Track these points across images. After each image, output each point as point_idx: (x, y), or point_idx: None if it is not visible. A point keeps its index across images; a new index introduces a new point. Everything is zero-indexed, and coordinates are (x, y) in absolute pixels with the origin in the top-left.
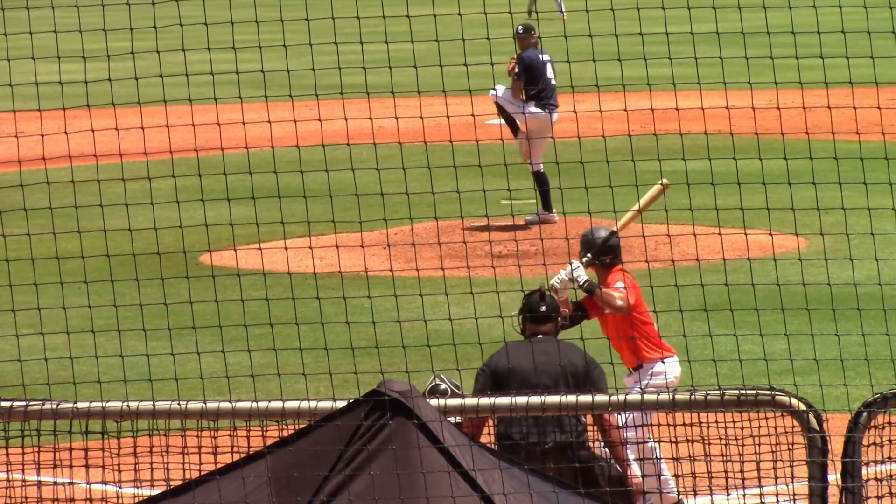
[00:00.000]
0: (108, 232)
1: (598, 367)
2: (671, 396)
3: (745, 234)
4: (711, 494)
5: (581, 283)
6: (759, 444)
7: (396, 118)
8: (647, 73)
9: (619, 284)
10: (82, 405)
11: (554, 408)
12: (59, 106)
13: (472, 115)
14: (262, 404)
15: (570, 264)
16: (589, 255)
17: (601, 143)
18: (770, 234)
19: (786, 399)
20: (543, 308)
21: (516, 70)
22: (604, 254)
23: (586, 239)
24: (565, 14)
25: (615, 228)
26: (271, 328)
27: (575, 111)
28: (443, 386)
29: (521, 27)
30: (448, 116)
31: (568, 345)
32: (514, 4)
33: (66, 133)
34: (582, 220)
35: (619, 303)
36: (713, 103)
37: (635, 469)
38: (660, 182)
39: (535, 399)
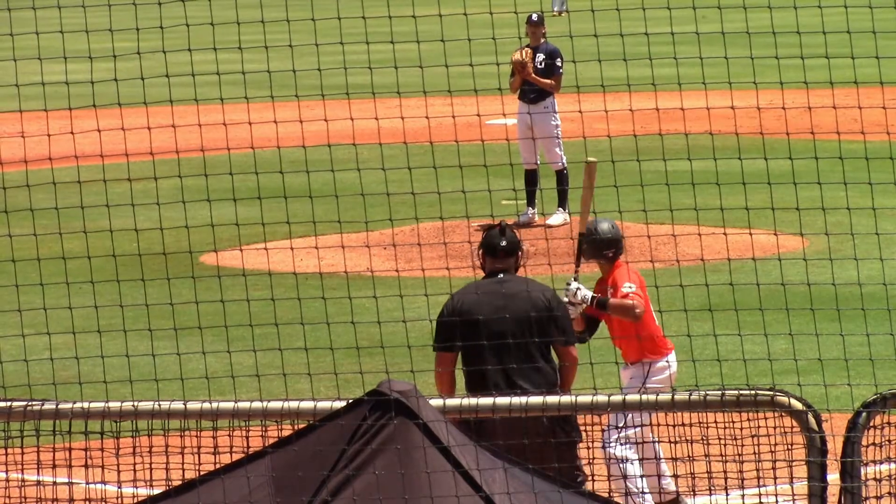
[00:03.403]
0: (114, 232)
1: (560, 301)
2: (671, 396)
3: (751, 233)
4: (711, 494)
5: (590, 303)
6: (759, 445)
7: (402, 118)
8: (652, 74)
9: (629, 286)
10: (82, 405)
11: (554, 408)
12: (65, 106)
13: (478, 114)
14: (263, 404)
15: (570, 286)
16: (583, 257)
17: (606, 143)
18: (775, 234)
19: (785, 399)
20: (504, 242)
21: (559, 64)
22: (605, 248)
23: (589, 235)
24: None
25: (580, 229)
26: (276, 328)
27: (581, 111)
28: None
29: (536, 15)
30: (454, 116)
31: (530, 281)
32: (519, 4)
33: (72, 133)
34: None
35: (637, 311)
36: (718, 103)
37: (635, 469)
38: (585, 161)
39: (536, 399)
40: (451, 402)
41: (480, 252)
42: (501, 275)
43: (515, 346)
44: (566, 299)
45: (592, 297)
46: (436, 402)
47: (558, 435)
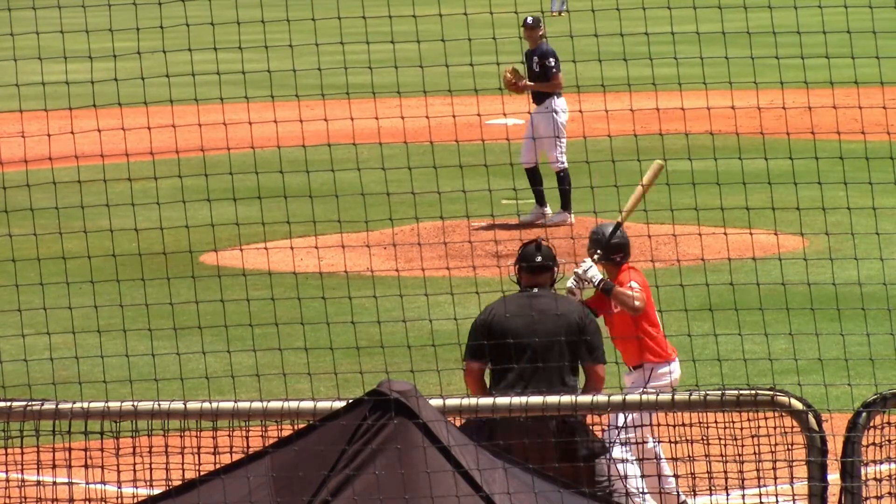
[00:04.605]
0: (114, 232)
1: (592, 320)
2: (671, 396)
3: (751, 233)
4: (711, 494)
5: (596, 284)
6: (759, 445)
7: (402, 118)
8: (652, 73)
9: (634, 284)
10: (82, 405)
11: (554, 408)
12: (66, 106)
13: (478, 114)
14: (263, 404)
15: (583, 263)
16: (599, 252)
17: (606, 143)
18: (775, 234)
19: (785, 399)
20: (539, 258)
21: (551, 64)
22: (613, 252)
23: (595, 236)
24: None
25: (620, 218)
26: (276, 328)
27: (581, 111)
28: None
29: (531, 18)
30: (454, 116)
31: (563, 298)
32: (519, 4)
33: (72, 133)
34: (587, 220)
35: (637, 303)
36: (718, 103)
37: (634, 470)
38: (656, 161)
39: (536, 399)
40: (451, 402)
41: (517, 267)
42: (536, 290)
43: (543, 361)
44: (578, 271)
45: (601, 280)
46: (436, 402)
47: (575, 446)
